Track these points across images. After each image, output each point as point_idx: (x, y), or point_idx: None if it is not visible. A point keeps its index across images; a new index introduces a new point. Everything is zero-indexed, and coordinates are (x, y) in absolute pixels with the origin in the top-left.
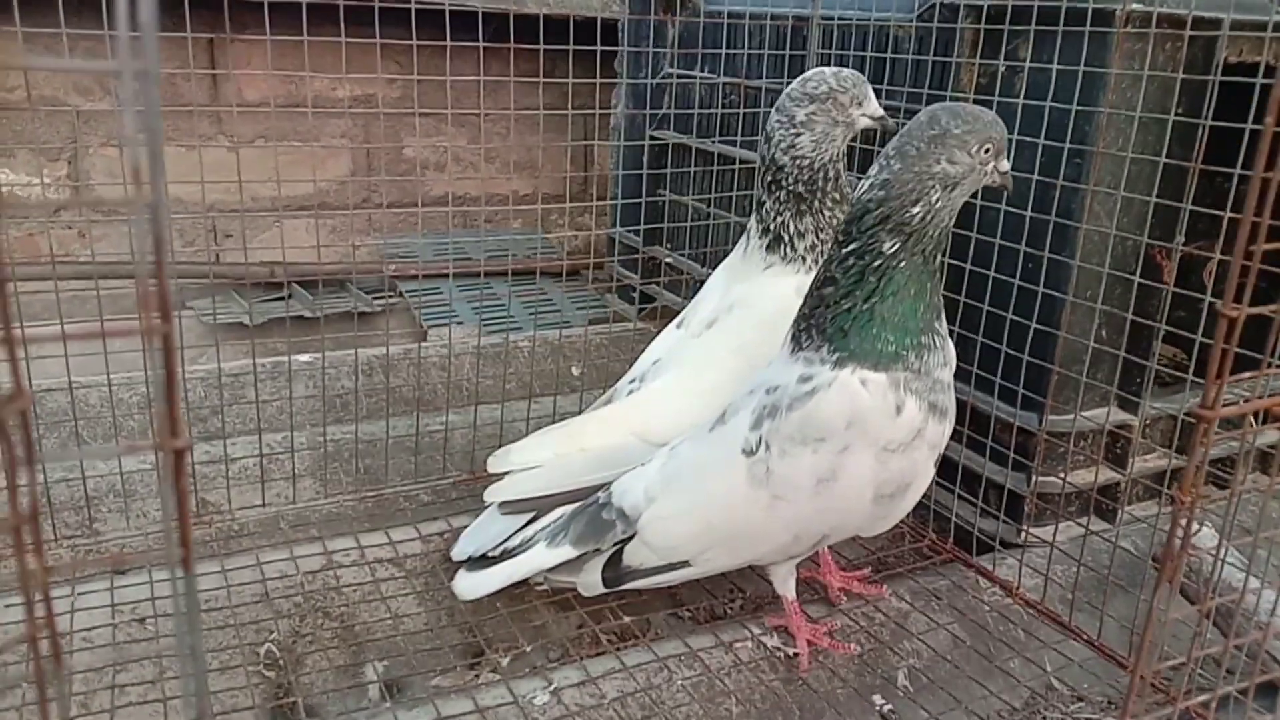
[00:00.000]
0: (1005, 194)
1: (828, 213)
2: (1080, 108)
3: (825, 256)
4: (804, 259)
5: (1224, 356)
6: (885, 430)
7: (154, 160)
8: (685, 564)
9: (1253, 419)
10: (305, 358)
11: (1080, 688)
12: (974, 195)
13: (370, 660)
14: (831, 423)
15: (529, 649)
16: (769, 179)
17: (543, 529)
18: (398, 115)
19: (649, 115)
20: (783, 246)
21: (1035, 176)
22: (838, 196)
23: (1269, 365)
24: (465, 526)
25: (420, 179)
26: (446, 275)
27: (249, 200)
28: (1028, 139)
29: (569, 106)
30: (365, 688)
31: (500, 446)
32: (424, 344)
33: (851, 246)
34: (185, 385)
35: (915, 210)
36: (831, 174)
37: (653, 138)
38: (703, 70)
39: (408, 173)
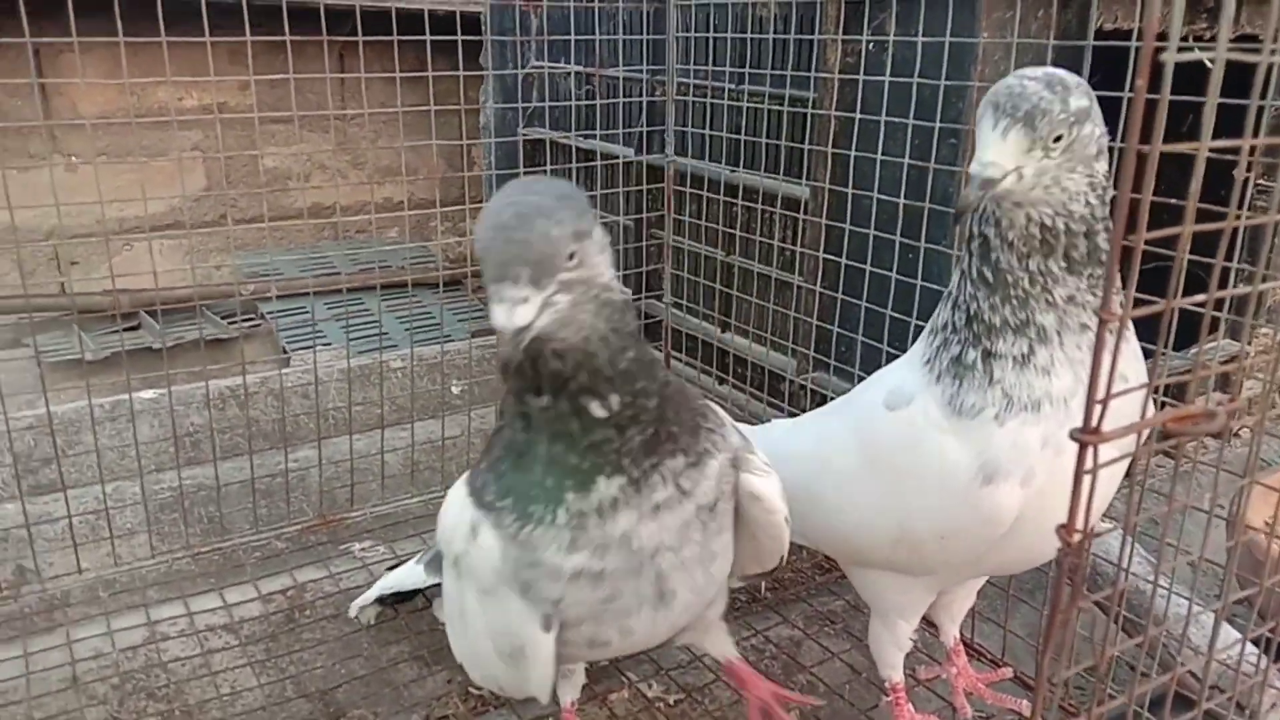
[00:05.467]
0: None
1: None
2: (950, 83)
3: None
4: None
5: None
6: (467, 558)
7: None
8: None
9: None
10: (148, 394)
11: (986, 707)
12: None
13: None
14: (443, 526)
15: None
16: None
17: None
18: (252, 124)
19: (520, 111)
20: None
21: (907, 160)
22: None
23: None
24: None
25: (283, 190)
26: (310, 293)
27: (92, 224)
28: (898, 120)
29: (431, 103)
30: None
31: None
32: (285, 370)
33: None
34: (12, 436)
35: None
36: None
37: (523, 135)
38: (567, 61)
39: (268, 185)
